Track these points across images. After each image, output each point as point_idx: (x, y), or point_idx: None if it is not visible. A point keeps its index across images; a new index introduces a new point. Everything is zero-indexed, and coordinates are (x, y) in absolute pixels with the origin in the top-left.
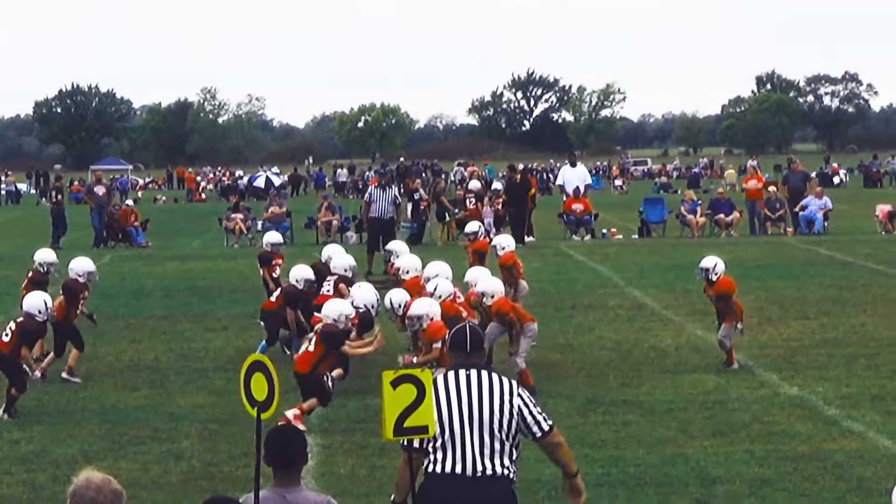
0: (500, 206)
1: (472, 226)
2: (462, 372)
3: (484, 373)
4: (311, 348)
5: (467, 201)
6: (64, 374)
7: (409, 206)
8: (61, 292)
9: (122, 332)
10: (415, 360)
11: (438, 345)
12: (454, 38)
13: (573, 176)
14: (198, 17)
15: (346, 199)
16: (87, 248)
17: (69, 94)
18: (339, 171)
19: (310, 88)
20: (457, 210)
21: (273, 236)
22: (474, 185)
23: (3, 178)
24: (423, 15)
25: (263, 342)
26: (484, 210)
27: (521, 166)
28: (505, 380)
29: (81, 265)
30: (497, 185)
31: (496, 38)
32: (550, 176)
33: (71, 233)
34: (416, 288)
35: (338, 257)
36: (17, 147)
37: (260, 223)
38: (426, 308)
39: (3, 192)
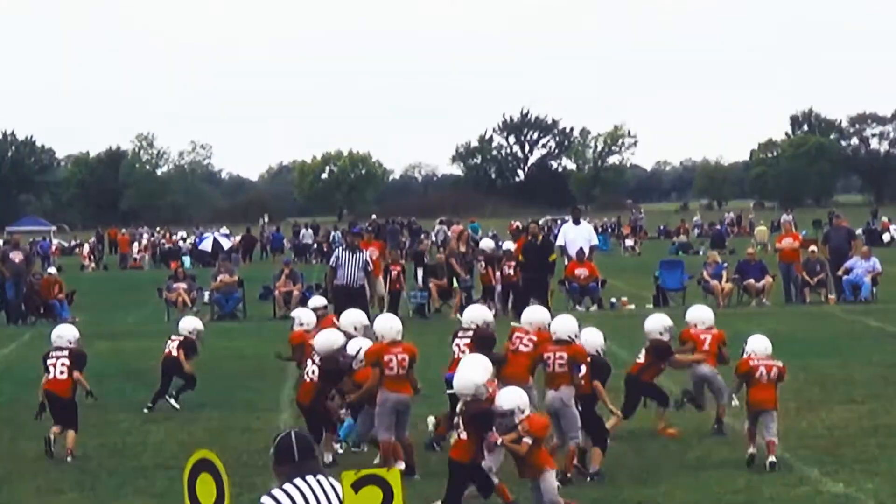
0: (512, 272)
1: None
2: (298, 485)
3: (323, 479)
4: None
5: (477, 265)
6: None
7: (420, 272)
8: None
9: (44, 424)
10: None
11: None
12: (434, 73)
13: (576, 235)
14: (131, 53)
15: (308, 265)
16: (1, 325)
17: None
18: (302, 230)
19: (264, 134)
20: (467, 277)
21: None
22: (487, 244)
23: None
24: (396, 47)
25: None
26: (496, 276)
27: (528, 221)
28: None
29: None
30: (508, 244)
31: (484, 72)
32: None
33: None
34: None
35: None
36: None
37: (207, 294)
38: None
39: None
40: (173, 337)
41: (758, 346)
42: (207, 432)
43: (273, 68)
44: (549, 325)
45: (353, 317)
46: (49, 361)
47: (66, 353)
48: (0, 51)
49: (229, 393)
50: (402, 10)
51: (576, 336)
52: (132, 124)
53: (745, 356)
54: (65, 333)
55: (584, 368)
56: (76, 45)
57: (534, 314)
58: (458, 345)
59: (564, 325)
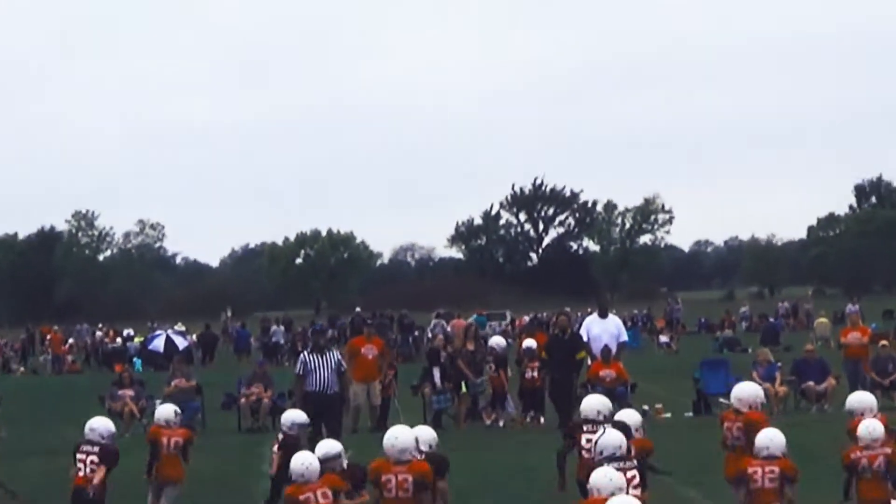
0: (535, 374)
1: None
2: None
3: None
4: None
5: (487, 367)
6: None
7: (437, 372)
8: None
9: None
10: None
11: None
12: (430, 138)
13: (602, 330)
14: (68, 113)
15: (280, 367)
16: None
17: None
18: (273, 327)
19: (226, 212)
20: (478, 381)
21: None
22: (497, 342)
23: None
24: (384, 107)
25: None
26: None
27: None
28: None
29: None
30: (529, 342)
31: (488, 137)
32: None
33: None
34: None
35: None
36: None
37: (159, 402)
38: None
39: None
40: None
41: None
42: None
43: (238, 133)
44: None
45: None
46: (79, 457)
47: (96, 448)
48: None
49: None
50: (391, 66)
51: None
52: (68, 200)
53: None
54: (97, 426)
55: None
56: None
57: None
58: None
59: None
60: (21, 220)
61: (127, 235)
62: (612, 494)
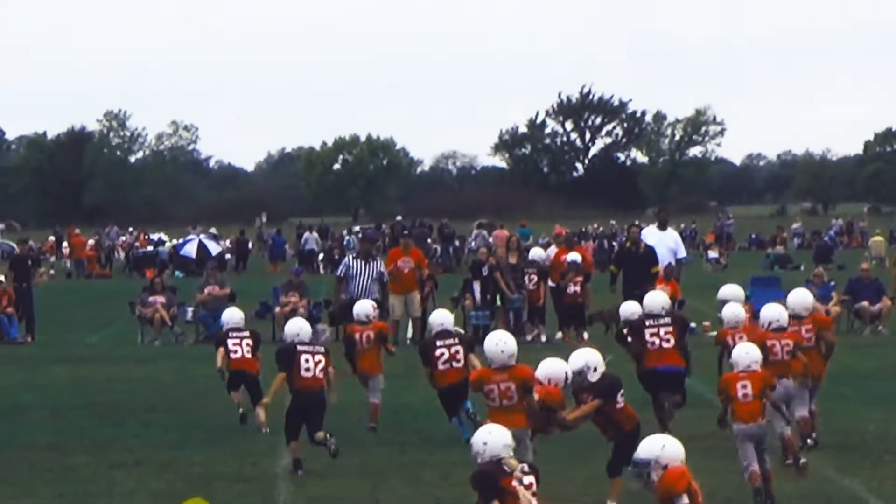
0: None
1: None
2: None
3: None
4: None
5: (527, 279)
6: None
7: (478, 287)
8: None
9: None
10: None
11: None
12: (474, 41)
13: (658, 242)
14: (100, 9)
15: (316, 276)
16: None
17: None
18: (305, 234)
19: (262, 114)
20: (515, 296)
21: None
22: (537, 253)
23: None
24: (426, 7)
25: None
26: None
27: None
28: None
29: None
30: (573, 256)
31: (535, 42)
32: (614, 244)
33: None
34: None
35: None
36: None
37: (190, 310)
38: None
39: None
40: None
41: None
42: (188, 481)
43: (275, 33)
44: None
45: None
46: (232, 342)
47: (246, 333)
48: None
49: (216, 433)
50: None
51: None
52: (100, 99)
53: None
54: (237, 316)
55: None
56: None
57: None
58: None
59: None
60: (50, 119)
61: (159, 137)
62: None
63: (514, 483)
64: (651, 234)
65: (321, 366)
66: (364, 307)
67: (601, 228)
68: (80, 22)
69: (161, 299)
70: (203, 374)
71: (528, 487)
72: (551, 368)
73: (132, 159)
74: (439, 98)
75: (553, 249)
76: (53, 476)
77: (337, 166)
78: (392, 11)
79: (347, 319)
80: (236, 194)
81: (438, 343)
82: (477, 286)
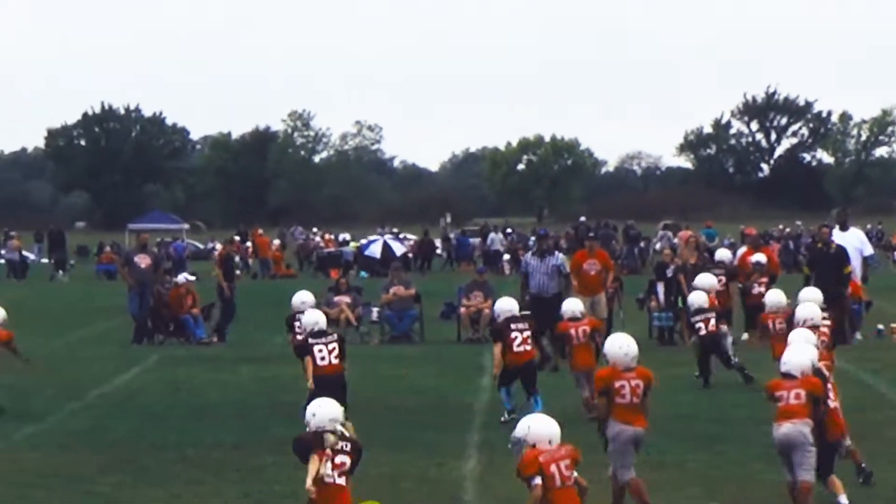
0: (763, 290)
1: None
2: None
3: None
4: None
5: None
6: None
7: (661, 288)
8: None
9: (173, 469)
10: None
11: None
12: (658, 42)
13: (842, 243)
14: (285, 12)
15: (500, 277)
16: (123, 344)
17: (97, 120)
18: (490, 235)
19: (446, 114)
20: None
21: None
22: (723, 254)
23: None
24: (612, 7)
25: None
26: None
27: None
28: None
29: None
30: (759, 256)
31: (720, 42)
32: (801, 245)
33: (98, 321)
34: None
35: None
36: (23, 195)
37: (375, 311)
38: None
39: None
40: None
41: None
42: (374, 482)
43: (459, 33)
44: None
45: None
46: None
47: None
48: (122, 7)
49: (402, 432)
50: None
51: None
52: (285, 99)
53: None
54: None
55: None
56: (213, 1)
57: None
58: None
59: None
60: (236, 120)
61: (343, 137)
62: None
63: (325, 457)
64: (835, 236)
65: (335, 352)
66: (575, 304)
67: (787, 229)
68: (261, 22)
69: (346, 299)
70: (389, 374)
71: (338, 466)
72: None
73: (316, 159)
74: (624, 99)
75: (742, 250)
76: (239, 476)
77: (521, 166)
78: (575, 14)
79: (533, 313)
80: (420, 194)
81: (512, 326)
82: (661, 287)
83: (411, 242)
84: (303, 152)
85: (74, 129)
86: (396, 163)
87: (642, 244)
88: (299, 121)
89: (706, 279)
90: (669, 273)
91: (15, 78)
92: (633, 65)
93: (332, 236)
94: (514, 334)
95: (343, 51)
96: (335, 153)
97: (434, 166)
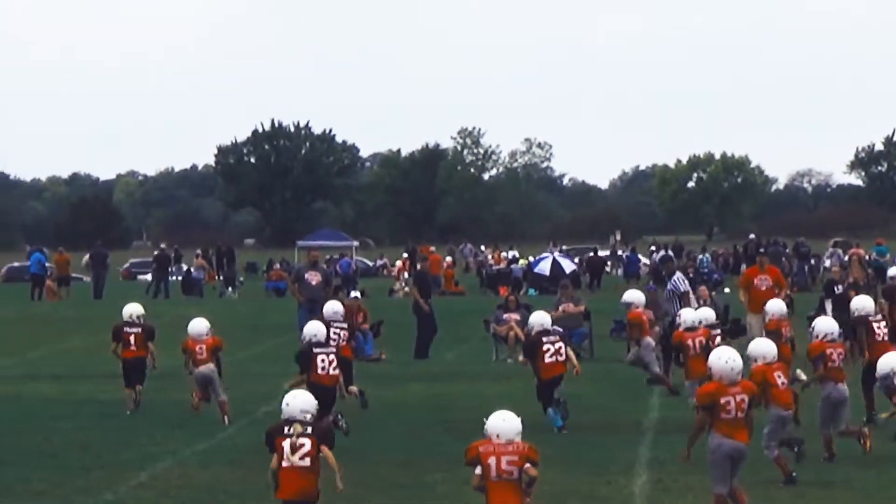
0: None
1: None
2: None
3: None
4: None
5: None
6: None
7: (829, 305)
8: None
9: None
10: None
11: None
12: (828, 57)
13: None
14: (455, 32)
15: None
16: (291, 363)
17: (267, 138)
18: (657, 252)
19: (615, 132)
20: None
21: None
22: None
23: (173, 258)
24: (787, 20)
25: None
26: None
27: None
28: None
29: None
30: None
31: (889, 54)
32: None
33: (267, 339)
34: None
35: None
36: (193, 213)
37: None
38: None
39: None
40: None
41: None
42: (544, 499)
43: (629, 51)
44: None
45: None
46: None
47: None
48: (292, 25)
49: (571, 450)
50: None
51: None
52: (454, 117)
53: None
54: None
55: None
56: (383, 17)
57: None
58: None
59: None
60: (405, 137)
61: (513, 154)
62: None
63: (286, 442)
64: None
65: (334, 364)
66: (693, 314)
67: None
68: (430, 41)
69: (515, 316)
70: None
71: (297, 448)
72: None
73: (486, 176)
74: (795, 116)
75: None
76: (408, 493)
77: (691, 184)
78: (746, 32)
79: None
80: (590, 211)
81: (544, 339)
82: (829, 304)
83: (580, 259)
84: (472, 170)
85: (244, 146)
86: (566, 180)
87: (813, 261)
88: (469, 138)
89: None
90: (838, 290)
91: (186, 95)
92: (801, 81)
93: (506, 254)
94: (546, 346)
95: (513, 68)
96: (504, 171)
97: (604, 183)
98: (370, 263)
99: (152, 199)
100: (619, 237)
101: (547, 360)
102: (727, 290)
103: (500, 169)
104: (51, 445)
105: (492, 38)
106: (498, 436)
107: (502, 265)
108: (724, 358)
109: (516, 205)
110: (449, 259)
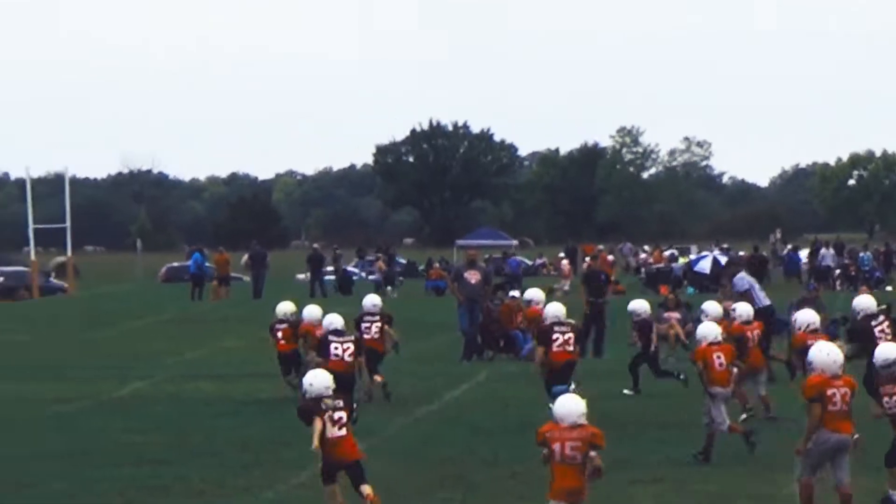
0: None
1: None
2: None
3: None
4: None
5: None
6: None
7: None
8: None
9: (503, 485)
10: None
11: None
12: None
13: None
14: (611, 23)
15: (832, 292)
16: (452, 361)
17: (425, 137)
18: (822, 250)
19: (775, 131)
20: None
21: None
22: None
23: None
24: None
25: None
26: None
27: None
28: None
29: None
30: None
31: None
32: None
33: (427, 337)
34: None
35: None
36: (351, 212)
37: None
38: None
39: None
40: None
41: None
42: (705, 499)
43: (790, 46)
44: None
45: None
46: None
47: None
48: (449, 21)
49: (733, 447)
50: None
51: None
52: (613, 115)
53: None
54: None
55: None
56: (542, 16)
57: None
58: None
59: None
60: (564, 136)
61: (672, 153)
62: None
63: (326, 417)
64: None
65: (349, 351)
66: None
67: None
68: (586, 38)
69: (676, 315)
70: None
71: (336, 421)
72: None
73: (645, 175)
74: None
75: None
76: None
77: (851, 181)
78: None
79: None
80: (750, 210)
81: (556, 329)
82: None
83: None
84: (631, 168)
85: (403, 145)
86: (725, 178)
87: None
88: (628, 137)
89: None
90: None
91: (344, 95)
92: None
93: (667, 251)
94: (556, 335)
95: (672, 67)
96: (664, 169)
97: (763, 182)
98: (529, 262)
99: (311, 198)
100: (779, 235)
101: (556, 348)
102: (889, 287)
103: (659, 167)
104: (211, 444)
105: (650, 37)
106: (562, 419)
107: (662, 264)
108: (825, 351)
109: (676, 203)
110: (611, 258)
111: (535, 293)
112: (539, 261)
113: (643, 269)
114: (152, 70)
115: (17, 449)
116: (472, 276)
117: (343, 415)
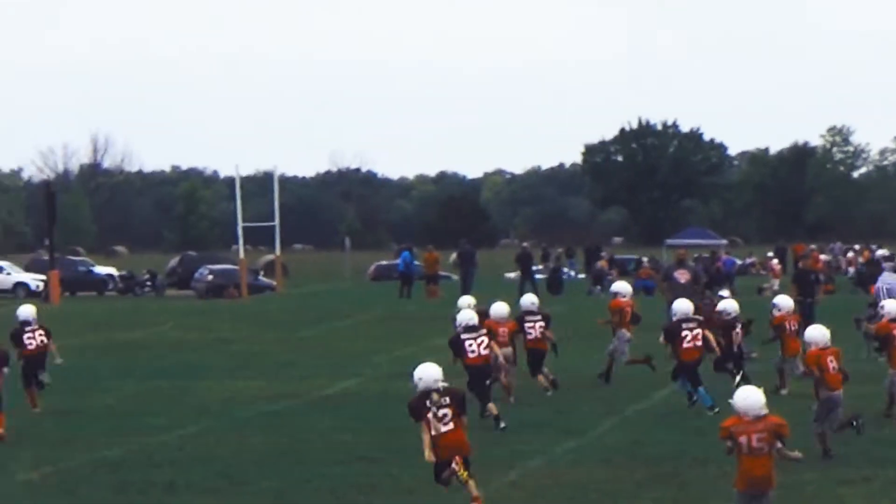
0: None
1: None
2: None
3: None
4: None
5: None
6: None
7: None
8: None
9: (716, 485)
10: None
11: None
12: None
13: None
14: (819, 19)
15: None
16: (670, 363)
17: (634, 136)
18: None
19: None
20: None
21: None
22: None
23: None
24: None
25: None
26: None
27: None
28: None
29: None
30: None
31: None
32: None
33: (634, 338)
34: None
35: None
36: (561, 211)
37: None
38: None
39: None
40: None
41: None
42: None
43: None
44: None
45: None
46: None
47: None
48: (658, 22)
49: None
50: None
51: None
52: (823, 115)
53: None
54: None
55: None
56: (768, 12)
57: None
58: None
59: None
60: (773, 136)
61: (883, 152)
62: None
63: (430, 415)
64: None
65: (484, 344)
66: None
67: None
68: (770, 40)
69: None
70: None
71: (441, 418)
72: None
73: (855, 174)
74: None
75: None
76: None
77: None
78: None
79: None
80: None
81: (683, 326)
82: None
83: None
84: (842, 168)
85: (612, 144)
86: None
87: None
88: (838, 136)
89: None
90: None
91: (554, 94)
92: None
93: (878, 252)
94: (684, 333)
95: (884, 65)
96: (875, 168)
97: None
98: (738, 262)
99: (519, 197)
100: None
101: (685, 345)
102: None
103: (870, 167)
104: (420, 442)
105: (861, 35)
106: (745, 412)
107: (871, 263)
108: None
109: (887, 202)
110: (824, 257)
111: (621, 286)
112: (749, 260)
113: (853, 268)
114: (364, 70)
115: (227, 447)
116: (682, 276)
117: (448, 411)
